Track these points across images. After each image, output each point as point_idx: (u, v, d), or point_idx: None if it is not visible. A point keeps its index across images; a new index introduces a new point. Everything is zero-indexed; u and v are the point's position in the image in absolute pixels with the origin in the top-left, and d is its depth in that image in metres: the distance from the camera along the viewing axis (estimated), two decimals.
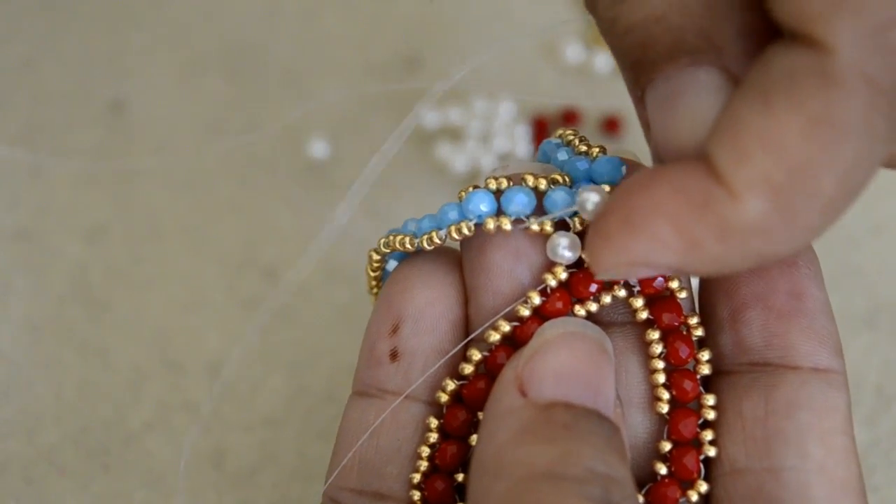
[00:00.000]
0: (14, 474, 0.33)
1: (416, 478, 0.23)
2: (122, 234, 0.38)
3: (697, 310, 0.24)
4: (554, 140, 0.25)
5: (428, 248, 0.23)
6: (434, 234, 0.23)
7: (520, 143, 0.40)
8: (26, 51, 0.43)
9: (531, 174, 0.23)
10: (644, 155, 0.24)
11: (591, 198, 0.21)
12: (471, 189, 0.23)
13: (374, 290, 0.26)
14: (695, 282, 0.24)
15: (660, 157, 0.20)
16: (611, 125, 0.41)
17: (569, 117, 0.41)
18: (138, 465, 0.33)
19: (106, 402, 0.34)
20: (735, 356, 0.22)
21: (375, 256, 0.25)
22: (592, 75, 0.42)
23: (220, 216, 0.39)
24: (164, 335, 0.36)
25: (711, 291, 0.23)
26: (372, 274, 0.25)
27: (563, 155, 0.24)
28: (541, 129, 0.40)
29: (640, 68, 0.20)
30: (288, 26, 0.44)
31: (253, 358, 0.35)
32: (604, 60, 0.42)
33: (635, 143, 0.40)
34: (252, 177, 0.40)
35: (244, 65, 0.42)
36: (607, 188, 0.22)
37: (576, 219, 0.22)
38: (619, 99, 0.42)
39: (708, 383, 0.23)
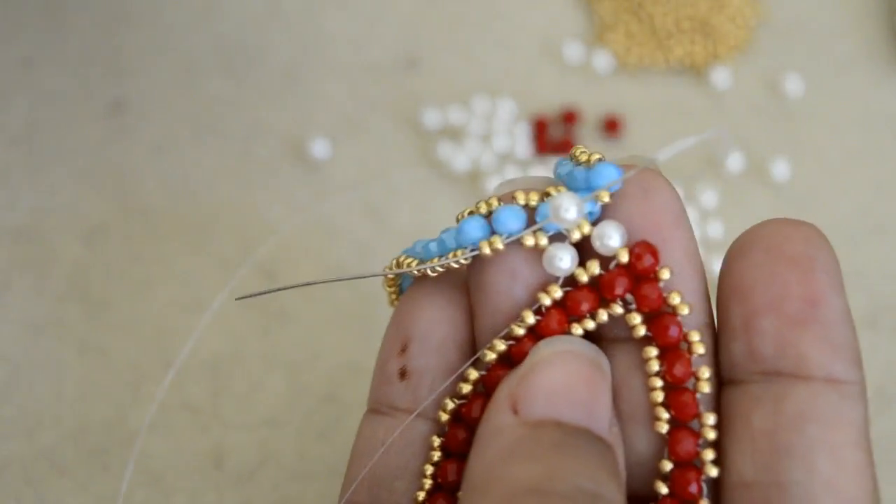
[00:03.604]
0: (14, 474, 0.33)
1: (421, 496, 0.23)
2: (122, 234, 0.38)
3: (715, 316, 0.23)
4: (563, 159, 0.25)
5: (431, 274, 0.23)
6: (435, 261, 0.23)
7: (520, 142, 0.40)
8: (26, 51, 0.43)
9: (522, 191, 0.23)
10: (643, 154, 0.24)
11: (562, 204, 0.21)
12: (466, 215, 0.23)
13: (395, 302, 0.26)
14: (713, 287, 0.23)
15: None
16: (611, 125, 0.41)
17: (569, 117, 0.41)
18: (138, 465, 0.33)
19: (106, 402, 0.34)
20: (747, 365, 0.22)
21: (390, 275, 0.25)
22: (592, 75, 0.42)
23: (220, 216, 0.39)
24: (164, 335, 0.36)
25: (726, 297, 0.22)
26: (388, 289, 0.26)
27: (565, 169, 0.24)
28: (541, 129, 0.40)
29: None
30: (288, 26, 0.44)
31: (253, 358, 0.35)
32: (604, 60, 0.42)
33: (635, 144, 0.40)
34: (252, 177, 0.40)
35: (244, 65, 0.42)
36: (605, 196, 0.22)
37: (573, 229, 0.22)
38: (619, 99, 0.42)
39: (718, 395, 0.22)
